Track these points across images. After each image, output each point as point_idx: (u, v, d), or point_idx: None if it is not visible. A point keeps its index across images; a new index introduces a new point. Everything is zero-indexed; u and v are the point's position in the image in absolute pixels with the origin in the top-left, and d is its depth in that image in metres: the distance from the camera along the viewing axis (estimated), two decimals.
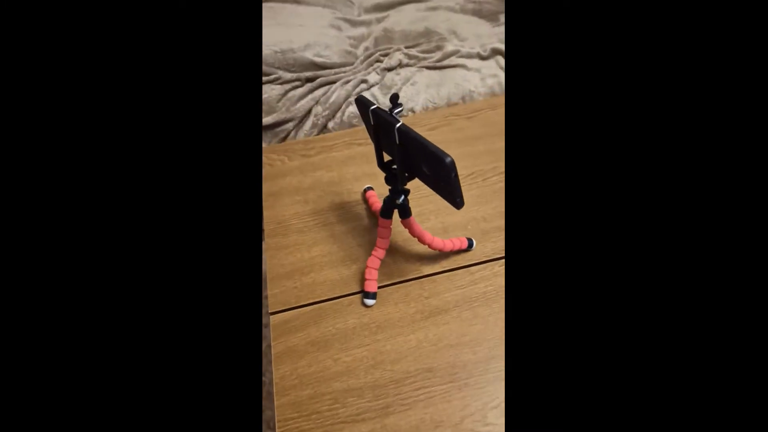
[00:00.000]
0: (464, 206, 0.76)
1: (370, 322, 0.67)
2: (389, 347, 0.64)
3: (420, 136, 0.53)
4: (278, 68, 1.25)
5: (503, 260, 0.71)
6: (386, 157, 0.64)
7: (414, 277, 0.71)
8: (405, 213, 0.66)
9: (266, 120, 1.19)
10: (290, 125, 1.19)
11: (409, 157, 0.57)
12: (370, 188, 0.80)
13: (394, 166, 0.63)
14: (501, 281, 0.69)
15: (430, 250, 0.72)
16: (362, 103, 0.60)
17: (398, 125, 0.54)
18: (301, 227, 0.78)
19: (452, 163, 0.50)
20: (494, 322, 0.65)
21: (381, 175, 0.78)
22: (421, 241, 0.68)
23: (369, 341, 0.65)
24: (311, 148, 0.90)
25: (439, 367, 0.62)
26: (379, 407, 0.59)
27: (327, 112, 1.20)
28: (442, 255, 0.72)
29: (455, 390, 0.60)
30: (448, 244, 0.69)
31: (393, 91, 1.26)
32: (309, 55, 1.27)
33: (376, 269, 0.69)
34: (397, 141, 0.56)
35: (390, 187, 0.64)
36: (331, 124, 1.21)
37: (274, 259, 0.74)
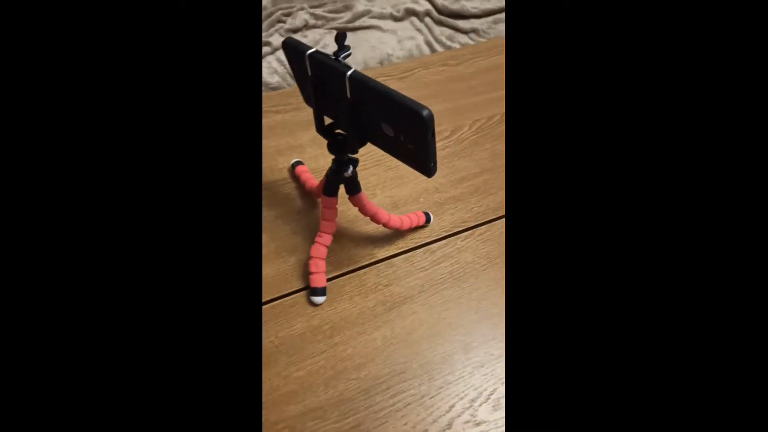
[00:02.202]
0: (413, 178, 0.68)
1: (322, 324, 0.55)
2: (350, 351, 0.53)
3: (382, 85, 0.41)
4: None
5: (466, 233, 0.63)
6: (327, 121, 0.51)
7: (368, 263, 0.60)
8: (354, 188, 0.55)
9: None
10: None
11: (364, 114, 0.45)
12: (299, 163, 0.67)
13: (340, 131, 0.50)
14: (467, 257, 0.61)
15: (380, 230, 0.61)
16: (293, 47, 0.47)
17: (350, 73, 0.42)
18: None
19: (430, 116, 0.39)
20: (467, 304, 0.57)
21: (308, 146, 0.65)
22: (376, 220, 0.57)
23: (324, 347, 0.53)
24: None
25: (412, 366, 0.52)
26: (348, 427, 0.48)
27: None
28: (397, 234, 0.62)
29: (435, 390, 0.51)
30: (406, 221, 0.59)
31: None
32: None
33: (322, 260, 0.56)
34: (348, 95, 0.43)
35: (334, 157, 0.52)
36: None
37: None
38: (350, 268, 0.59)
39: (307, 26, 1.20)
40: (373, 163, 0.69)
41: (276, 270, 0.58)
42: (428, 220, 0.62)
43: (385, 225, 0.58)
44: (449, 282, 0.59)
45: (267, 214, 0.63)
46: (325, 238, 0.56)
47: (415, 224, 0.61)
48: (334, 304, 0.56)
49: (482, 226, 0.64)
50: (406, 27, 1.23)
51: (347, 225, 0.63)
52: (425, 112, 0.39)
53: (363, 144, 0.50)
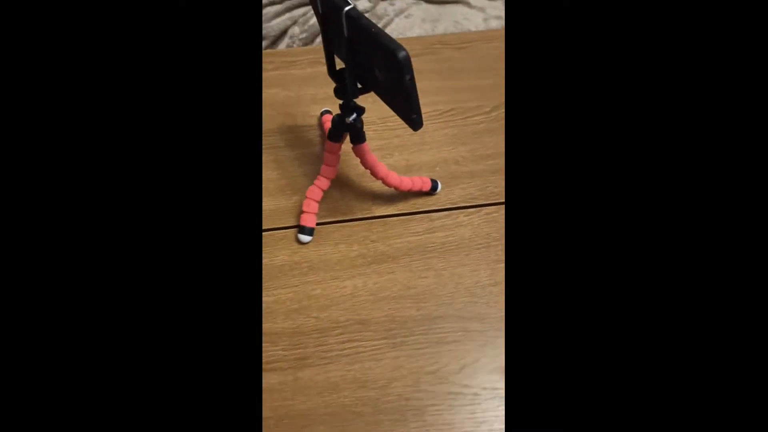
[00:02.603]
0: (435, 149, 0.66)
1: (301, 261, 0.57)
2: (319, 291, 0.54)
3: (373, 24, 0.41)
4: None
5: (472, 209, 0.60)
6: (340, 64, 0.52)
7: (362, 216, 0.60)
8: (357, 137, 0.55)
9: None
10: (263, 44, 1.06)
11: (361, 56, 0.45)
12: (327, 111, 0.69)
13: None
14: (464, 232, 0.58)
15: (387, 189, 0.61)
16: None
17: (347, 9, 0.42)
18: None
19: (407, 59, 0.38)
20: (448, 277, 0.55)
21: None
22: (374, 174, 0.57)
23: (297, 282, 0.55)
24: (269, 62, 0.77)
25: (373, 320, 0.52)
26: (294, 357, 0.50)
27: (305, 35, 1.06)
28: (400, 196, 0.61)
29: (388, 348, 0.50)
30: (407, 182, 0.58)
31: (384, 22, 1.12)
32: None
33: (316, 201, 0.58)
34: (345, 33, 0.44)
35: (340, 102, 0.53)
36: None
37: None
38: (344, 218, 0.60)
39: None
40: (400, 124, 0.69)
41: (276, 204, 0.61)
42: (434, 188, 0.61)
43: (383, 180, 0.57)
44: (438, 252, 0.57)
45: (285, 154, 0.66)
46: (323, 182, 0.58)
47: (417, 188, 0.59)
48: (318, 246, 0.58)
49: (491, 207, 0.61)
50: (496, 6, 1.18)
51: (356, 178, 0.63)
52: (401, 54, 0.38)
53: (365, 91, 0.50)
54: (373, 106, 0.71)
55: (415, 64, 0.79)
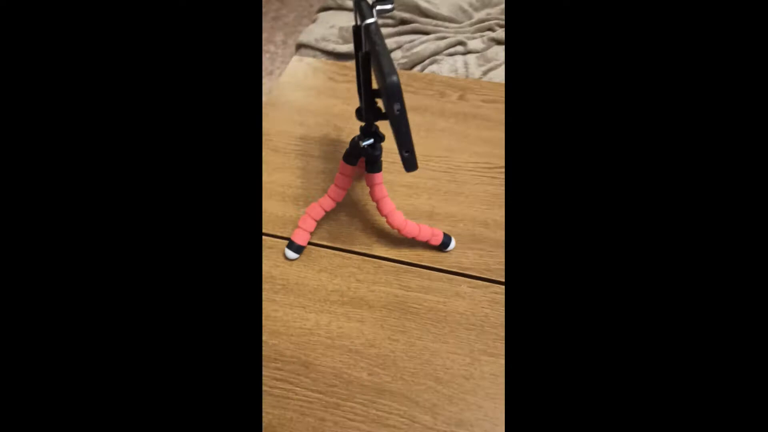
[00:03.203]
0: (468, 203, 0.58)
1: (277, 277, 0.52)
2: (280, 315, 0.49)
3: (382, 44, 0.36)
4: (326, 41, 1.10)
5: (479, 281, 0.51)
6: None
7: (359, 251, 0.55)
8: (371, 165, 0.50)
9: (340, 47, 1.08)
10: None
11: (377, 76, 0.40)
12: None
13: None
14: (459, 305, 0.50)
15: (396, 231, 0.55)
16: None
17: (368, 22, 0.38)
18: (277, 146, 0.65)
19: (395, 86, 0.33)
20: (419, 350, 0.47)
21: None
22: (379, 209, 0.51)
23: (263, 297, 0.51)
24: (343, 74, 0.76)
25: (319, 367, 0.46)
26: None
27: (405, 61, 1.04)
28: (408, 241, 0.54)
29: (319, 405, 0.44)
30: (412, 228, 0.52)
31: (491, 66, 1.06)
32: None
33: (314, 220, 0.54)
34: (363, 48, 0.39)
35: (361, 125, 0.48)
36: None
37: None
38: (340, 246, 0.55)
39: None
40: (443, 167, 0.62)
41: (284, 212, 0.58)
42: (446, 244, 0.53)
43: (386, 218, 0.51)
44: (420, 316, 0.49)
45: (315, 165, 0.63)
46: (327, 202, 0.53)
47: (423, 238, 0.52)
48: (301, 267, 0.53)
49: (502, 286, 0.51)
50: None
51: (371, 208, 0.58)
52: (390, 78, 0.32)
53: (379, 115, 0.45)
54: (424, 141, 0.66)
55: (483, 109, 0.72)
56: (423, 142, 0.65)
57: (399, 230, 0.52)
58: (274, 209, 0.59)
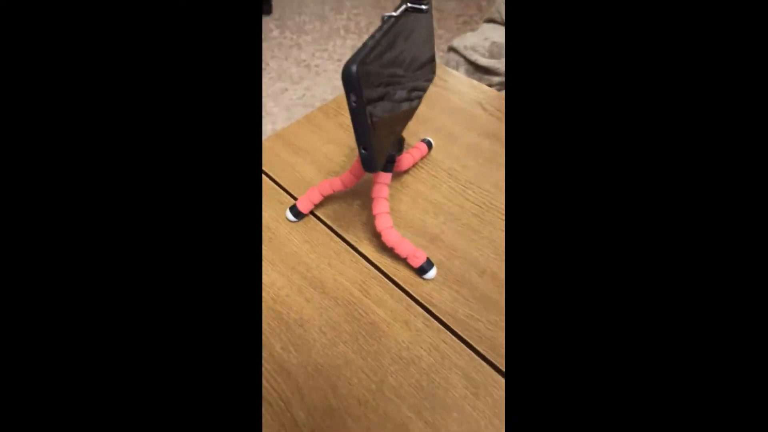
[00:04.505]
0: (477, 245, 0.53)
1: (271, 229, 0.56)
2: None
3: (380, 35, 0.35)
4: (474, 50, 1.04)
5: (433, 321, 0.47)
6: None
7: (347, 240, 0.55)
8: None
9: (484, 59, 1.05)
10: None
11: None
12: (427, 141, 0.63)
13: None
14: (401, 334, 0.46)
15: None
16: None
17: (392, 12, 0.37)
18: (345, 121, 0.68)
19: (350, 75, 0.32)
20: (340, 351, 0.45)
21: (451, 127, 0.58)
22: (372, 207, 0.50)
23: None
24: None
25: None
26: None
27: None
28: (394, 254, 0.52)
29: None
30: (393, 237, 0.50)
31: None
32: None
33: (322, 195, 0.55)
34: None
35: None
36: None
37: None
38: (334, 228, 0.56)
39: None
40: (477, 201, 0.58)
41: (312, 178, 0.61)
42: (424, 270, 0.50)
43: (374, 218, 0.50)
44: (357, 324, 0.47)
45: None
46: (337, 184, 0.54)
47: (402, 254, 0.50)
48: (293, 230, 0.56)
49: (455, 337, 0.46)
50: None
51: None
52: (348, 67, 0.31)
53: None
54: (479, 169, 0.61)
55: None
56: (477, 169, 0.61)
57: (379, 233, 0.50)
58: (308, 174, 0.62)
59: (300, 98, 1.90)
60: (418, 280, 0.51)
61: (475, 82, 0.76)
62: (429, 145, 0.63)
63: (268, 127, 1.77)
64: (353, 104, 0.33)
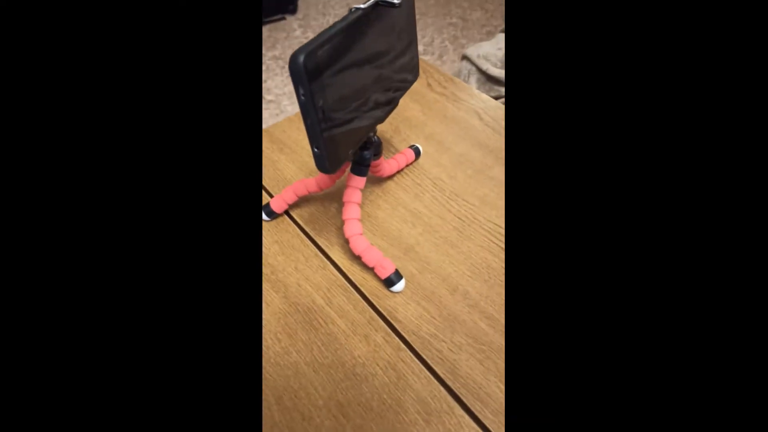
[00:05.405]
0: (453, 261, 0.50)
1: None
2: None
3: (340, 23, 0.33)
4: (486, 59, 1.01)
5: (393, 337, 0.44)
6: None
7: (318, 244, 0.52)
8: (355, 167, 0.47)
9: (494, 69, 1.02)
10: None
11: None
12: (414, 147, 0.60)
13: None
14: (358, 348, 0.44)
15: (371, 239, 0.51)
16: None
17: (362, 5, 0.35)
18: None
19: (294, 66, 0.29)
20: (293, 361, 0.43)
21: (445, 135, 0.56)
22: (342, 210, 0.48)
23: None
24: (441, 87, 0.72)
25: None
26: None
27: None
28: (363, 263, 0.50)
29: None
30: (360, 244, 0.47)
31: None
32: None
33: (296, 195, 0.53)
34: None
35: None
36: None
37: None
38: (306, 230, 0.53)
39: None
40: (459, 214, 0.55)
41: (291, 174, 0.59)
42: (391, 282, 0.47)
43: (343, 222, 0.48)
44: (314, 333, 0.45)
45: None
46: (312, 185, 0.52)
47: (369, 262, 0.47)
48: (265, 229, 0.54)
49: (415, 357, 0.43)
50: None
51: (364, 218, 0.55)
52: (294, 57, 0.29)
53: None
54: (468, 181, 0.59)
55: None
56: (465, 181, 0.58)
57: (347, 239, 0.48)
58: (288, 172, 0.60)
59: None
60: (386, 292, 0.48)
61: (476, 90, 0.73)
62: (417, 152, 0.60)
63: None
64: (301, 98, 0.31)
